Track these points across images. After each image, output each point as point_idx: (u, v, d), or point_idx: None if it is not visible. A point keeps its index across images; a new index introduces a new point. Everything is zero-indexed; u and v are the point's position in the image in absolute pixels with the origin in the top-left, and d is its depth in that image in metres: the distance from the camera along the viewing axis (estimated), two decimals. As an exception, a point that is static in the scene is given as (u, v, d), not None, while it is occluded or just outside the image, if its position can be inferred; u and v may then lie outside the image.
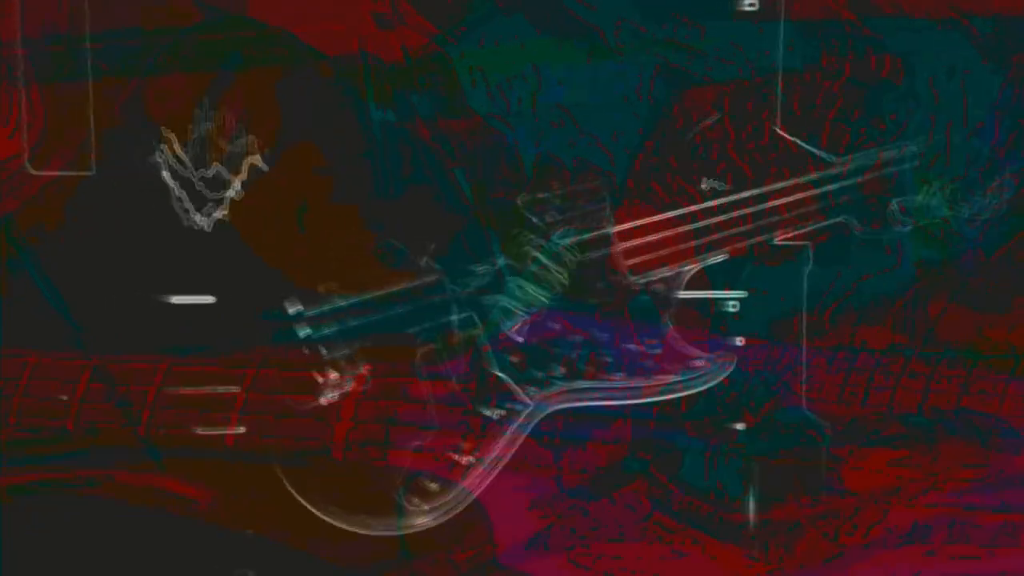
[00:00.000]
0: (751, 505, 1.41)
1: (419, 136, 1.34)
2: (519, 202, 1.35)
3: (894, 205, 1.36)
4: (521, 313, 1.36)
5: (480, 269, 1.35)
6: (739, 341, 1.38)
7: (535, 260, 1.35)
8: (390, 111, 1.34)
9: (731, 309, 1.38)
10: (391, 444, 1.34)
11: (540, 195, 1.35)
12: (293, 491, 1.34)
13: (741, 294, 1.38)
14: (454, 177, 1.33)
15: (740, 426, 1.40)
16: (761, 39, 1.33)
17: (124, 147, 1.35)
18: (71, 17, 1.34)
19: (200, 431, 1.35)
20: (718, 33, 1.33)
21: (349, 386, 1.33)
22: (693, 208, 1.35)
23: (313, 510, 1.34)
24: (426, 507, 1.35)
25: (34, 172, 1.36)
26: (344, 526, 1.35)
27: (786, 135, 1.33)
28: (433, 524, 1.36)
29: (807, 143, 1.34)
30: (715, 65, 1.33)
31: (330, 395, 1.34)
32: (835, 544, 1.40)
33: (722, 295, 1.38)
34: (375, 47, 1.32)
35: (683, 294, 1.37)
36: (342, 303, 1.32)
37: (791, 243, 1.36)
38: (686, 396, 1.36)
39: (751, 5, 1.33)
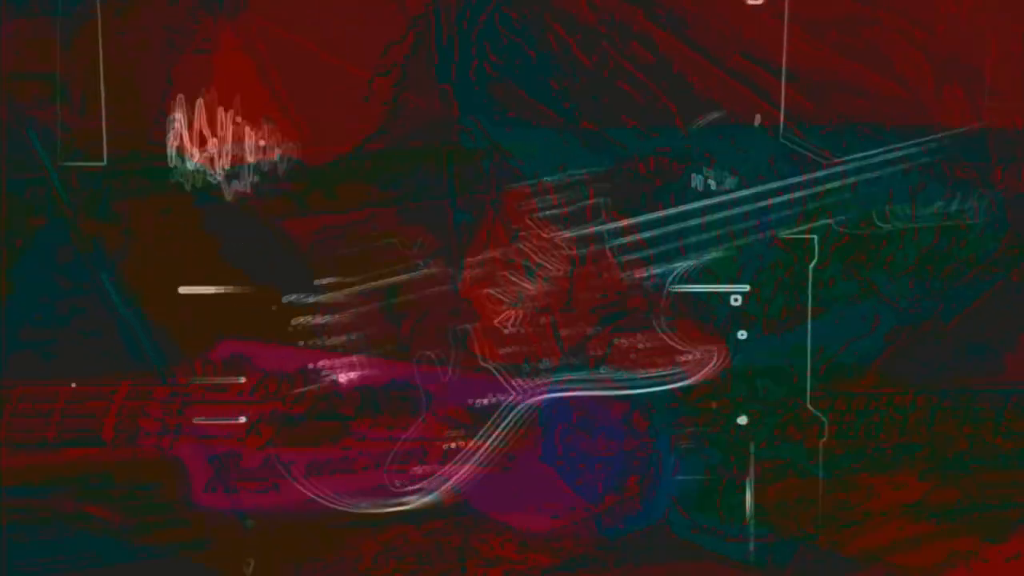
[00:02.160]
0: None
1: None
2: (512, 197, 1.32)
3: (880, 207, 1.34)
4: (509, 305, 1.33)
5: (472, 261, 1.31)
6: (742, 334, 1.36)
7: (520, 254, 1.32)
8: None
9: (735, 303, 1.36)
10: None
11: (533, 189, 1.32)
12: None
13: (744, 288, 1.36)
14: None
15: (742, 420, 1.38)
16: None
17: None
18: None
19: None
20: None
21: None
22: (685, 207, 1.33)
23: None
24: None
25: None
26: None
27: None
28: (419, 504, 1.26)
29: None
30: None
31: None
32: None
33: (726, 289, 1.36)
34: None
35: (685, 288, 1.35)
36: (343, 293, 1.21)
37: (796, 237, 1.34)
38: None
39: (756, 0, 1.31)
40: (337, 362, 1.14)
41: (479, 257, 1.28)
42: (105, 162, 1.22)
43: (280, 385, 1.10)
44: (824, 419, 1.37)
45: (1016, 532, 1.36)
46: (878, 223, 1.33)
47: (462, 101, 1.27)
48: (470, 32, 1.26)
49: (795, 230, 1.35)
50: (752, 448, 1.38)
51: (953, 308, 1.36)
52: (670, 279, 1.34)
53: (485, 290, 1.26)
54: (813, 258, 1.35)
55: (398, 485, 1.16)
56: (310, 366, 1.12)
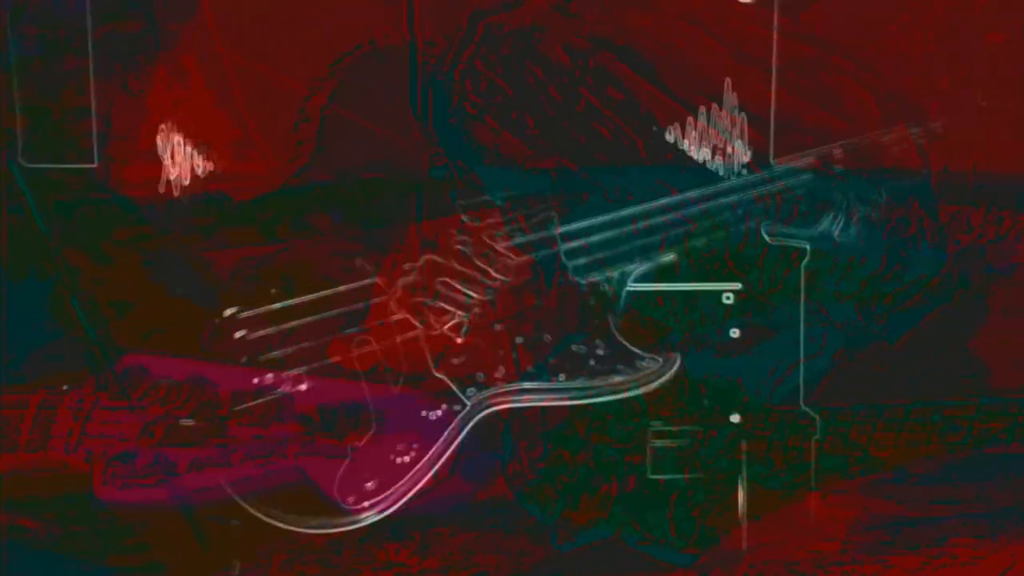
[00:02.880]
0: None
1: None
2: (458, 203, 1.32)
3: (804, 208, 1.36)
4: (456, 313, 1.33)
5: (408, 267, 1.31)
6: (735, 333, 1.37)
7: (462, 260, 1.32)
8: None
9: (727, 301, 1.37)
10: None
11: (480, 197, 1.33)
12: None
13: (736, 286, 1.36)
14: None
15: (735, 418, 1.39)
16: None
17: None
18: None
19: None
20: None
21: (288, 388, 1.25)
22: (636, 209, 1.33)
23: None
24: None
25: (27, 165, 1.29)
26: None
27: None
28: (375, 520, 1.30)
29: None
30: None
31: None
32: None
33: (718, 287, 1.36)
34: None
35: (678, 286, 1.36)
36: (278, 304, 1.25)
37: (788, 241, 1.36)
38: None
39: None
40: (271, 377, 1.23)
41: (412, 264, 1.31)
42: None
43: (169, 393, 1.20)
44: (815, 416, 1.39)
45: (947, 544, 1.42)
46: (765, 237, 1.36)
47: (440, 135, 1.32)
48: (452, 71, 1.31)
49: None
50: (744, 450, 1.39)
51: (897, 330, 1.39)
52: (621, 283, 1.35)
53: (419, 299, 1.30)
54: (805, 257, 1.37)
55: (351, 502, 1.25)
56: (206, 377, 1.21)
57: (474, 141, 1.32)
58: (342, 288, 1.26)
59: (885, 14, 1.35)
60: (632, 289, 1.35)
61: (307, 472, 1.22)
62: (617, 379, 1.34)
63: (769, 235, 1.35)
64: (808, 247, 1.35)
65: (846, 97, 1.35)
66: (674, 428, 1.38)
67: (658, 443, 1.38)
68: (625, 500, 1.38)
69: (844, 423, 1.39)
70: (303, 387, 1.23)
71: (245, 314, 1.23)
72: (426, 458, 1.26)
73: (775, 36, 1.32)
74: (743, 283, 1.36)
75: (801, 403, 1.37)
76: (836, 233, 1.36)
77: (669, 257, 1.35)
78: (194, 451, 1.20)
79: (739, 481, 1.39)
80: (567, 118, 1.33)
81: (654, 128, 1.33)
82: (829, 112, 1.35)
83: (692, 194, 1.33)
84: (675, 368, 1.35)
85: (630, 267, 1.34)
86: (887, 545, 1.41)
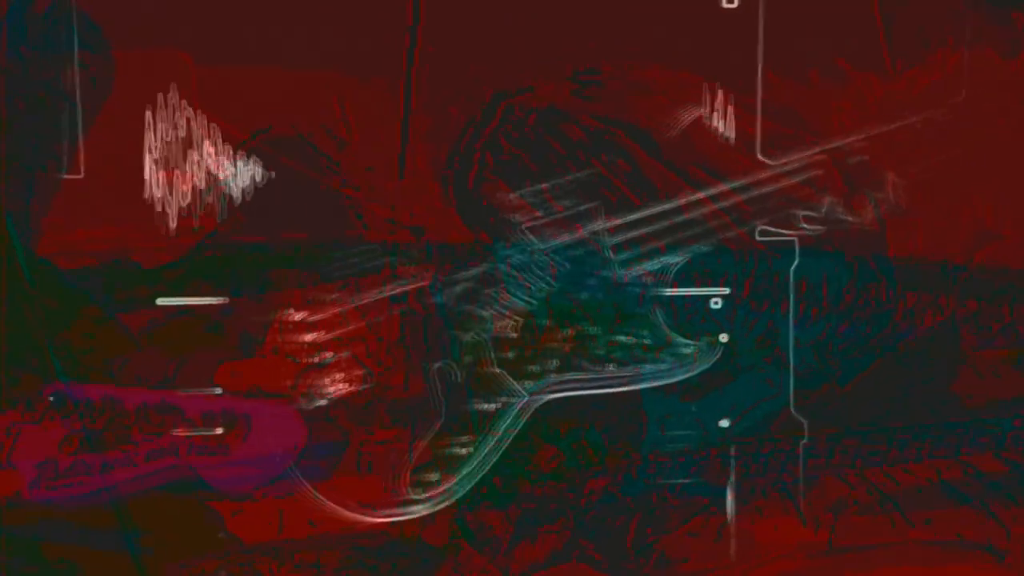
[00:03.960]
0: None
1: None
2: (501, 201, 1.38)
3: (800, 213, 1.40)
4: (508, 312, 1.38)
5: (465, 274, 1.38)
6: (723, 337, 1.41)
7: (512, 267, 1.38)
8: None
9: (715, 305, 1.40)
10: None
11: (524, 192, 1.39)
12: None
13: (724, 291, 1.40)
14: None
15: (724, 423, 1.43)
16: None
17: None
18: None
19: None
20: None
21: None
22: (677, 203, 1.39)
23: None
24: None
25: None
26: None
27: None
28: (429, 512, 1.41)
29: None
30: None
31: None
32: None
33: (706, 292, 1.40)
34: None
35: (667, 291, 1.39)
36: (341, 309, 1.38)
37: (777, 239, 1.41)
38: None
39: (730, 3, 1.37)
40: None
41: (465, 273, 1.40)
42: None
43: (83, 409, 1.39)
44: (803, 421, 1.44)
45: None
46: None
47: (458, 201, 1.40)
48: (474, 142, 1.39)
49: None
50: (733, 452, 1.44)
51: (849, 373, 1.46)
52: (663, 276, 1.40)
53: (471, 307, 1.40)
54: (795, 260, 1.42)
55: (408, 493, 1.41)
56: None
57: (494, 208, 1.40)
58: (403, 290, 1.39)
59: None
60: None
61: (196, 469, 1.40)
62: (662, 366, 1.39)
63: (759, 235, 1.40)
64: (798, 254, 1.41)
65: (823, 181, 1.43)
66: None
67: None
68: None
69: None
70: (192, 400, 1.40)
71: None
72: (483, 449, 1.41)
73: (759, 119, 1.40)
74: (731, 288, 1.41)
75: (792, 409, 1.44)
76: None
77: (705, 249, 1.40)
78: (104, 455, 1.39)
79: (728, 486, 1.45)
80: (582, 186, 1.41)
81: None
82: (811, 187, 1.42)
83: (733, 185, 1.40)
84: (717, 353, 1.40)
85: (671, 260, 1.40)
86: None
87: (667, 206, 1.39)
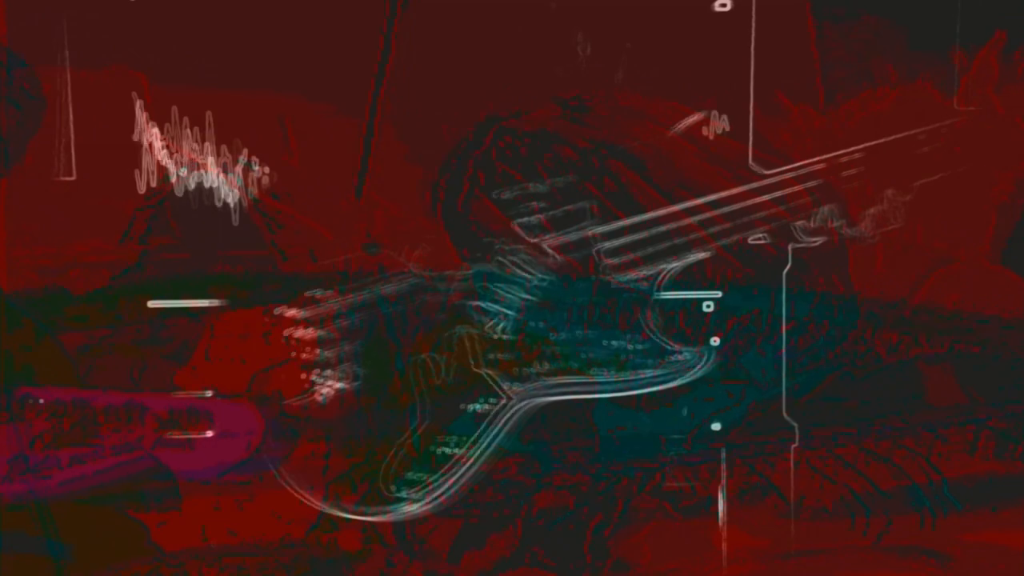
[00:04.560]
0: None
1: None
2: (499, 198, 1.40)
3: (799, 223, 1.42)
4: (505, 313, 1.39)
5: (459, 273, 1.39)
6: (715, 341, 1.42)
7: (506, 266, 1.38)
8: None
9: (707, 309, 1.41)
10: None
11: (520, 192, 1.40)
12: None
13: (716, 294, 1.41)
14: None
15: (716, 426, 1.45)
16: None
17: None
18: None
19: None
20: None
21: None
22: (670, 209, 1.40)
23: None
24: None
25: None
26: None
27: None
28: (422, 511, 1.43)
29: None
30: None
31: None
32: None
33: (698, 295, 1.41)
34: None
35: (660, 295, 1.41)
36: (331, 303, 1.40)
37: (766, 243, 1.42)
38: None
39: (723, 6, 1.38)
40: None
41: (463, 272, 1.42)
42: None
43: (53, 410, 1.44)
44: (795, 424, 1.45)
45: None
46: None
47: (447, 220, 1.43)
48: (464, 163, 1.41)
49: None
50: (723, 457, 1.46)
51: (803, 389, 1.47)
52: (656, 281, 1.41)
53: (474, 302, 1.42)
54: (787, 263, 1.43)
55: (391, 491, 1.43)
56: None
57: (481, 226, 1.42)
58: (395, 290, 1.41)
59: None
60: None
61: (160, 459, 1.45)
62: (649, 373, 1.40)
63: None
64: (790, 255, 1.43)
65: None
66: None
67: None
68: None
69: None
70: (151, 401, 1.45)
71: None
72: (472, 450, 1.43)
73: (751, 151, 1.42)
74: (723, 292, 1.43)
75: (784, 412, 1.45)
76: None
77: (701, 256, 1.41)
78: (72, 451, 1.43)
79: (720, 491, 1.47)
80: (572, 202, 1.42)
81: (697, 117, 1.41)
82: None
83: (725, 194, 1.41)
84: (706, 363, 1.41)
85: (664, 266, 1.41)
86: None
87: (658, 213, 1.41)
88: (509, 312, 1.39)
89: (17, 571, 1.42)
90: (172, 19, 1.36)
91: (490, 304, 1.39)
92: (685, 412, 1.44)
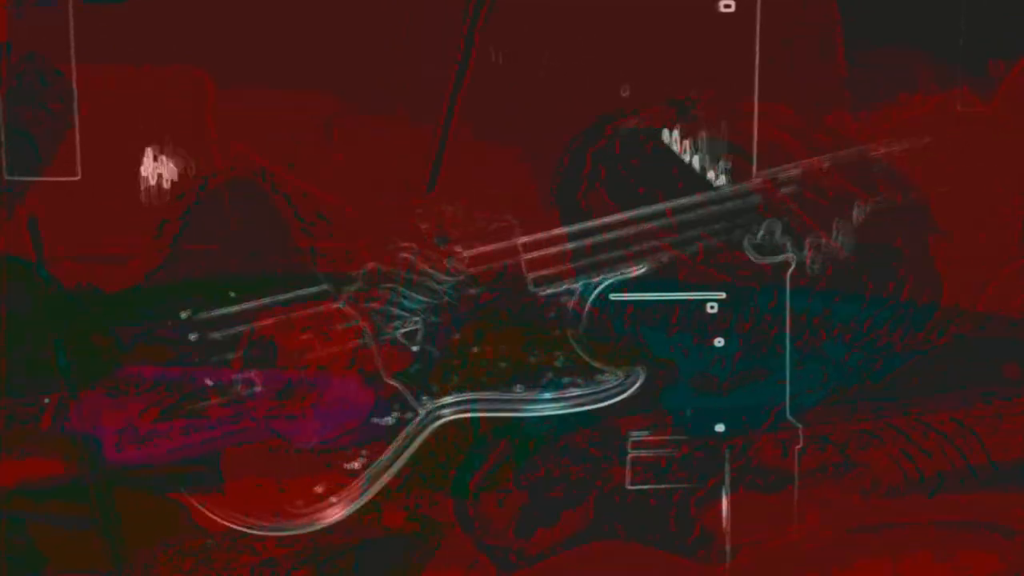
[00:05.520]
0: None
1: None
2: (416, 210, 1.34)
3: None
4: (408, 319, 1.35)
5: (359, 275, 1.36)
6: (718, 342, 1.40)
7: (412, 268, 1.34)
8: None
9: (710, 311, 1.39)
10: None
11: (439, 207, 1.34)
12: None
13: (720, 295, 1.39)
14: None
15: (720, 427, 1.43)
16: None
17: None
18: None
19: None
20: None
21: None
22: (602, 221, 1.36)
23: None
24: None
25: (13, 178, 1.34)
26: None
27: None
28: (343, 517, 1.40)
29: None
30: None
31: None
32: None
33: (702, 296, 1.39)
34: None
35: (660, 296, 1.38)
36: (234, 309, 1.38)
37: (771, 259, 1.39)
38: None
39: (727, 7, 1.35)
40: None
41: (361, 270, 1.37)
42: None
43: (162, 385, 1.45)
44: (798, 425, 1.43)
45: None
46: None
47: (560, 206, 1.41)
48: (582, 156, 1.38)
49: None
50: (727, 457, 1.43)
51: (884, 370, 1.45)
52: (591, 294, 1.37)
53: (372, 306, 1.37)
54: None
55: (300, 505, 1.42)
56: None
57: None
58: (302, 292, 1.38)
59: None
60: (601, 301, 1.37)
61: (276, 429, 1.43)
62: (574, 392, 1.37)
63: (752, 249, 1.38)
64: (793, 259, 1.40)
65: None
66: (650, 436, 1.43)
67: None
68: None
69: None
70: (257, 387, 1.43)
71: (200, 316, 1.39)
72: (376, 464, 1.41)
73: (754, 169, 1.41)
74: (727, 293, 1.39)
75: (788, 414, 1.43)
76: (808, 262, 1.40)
77: (638, 271, 1.37)
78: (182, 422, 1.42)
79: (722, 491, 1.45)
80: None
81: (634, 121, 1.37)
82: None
83: (666, 206, 1.37)
84: (637, 384, 1.37)
85: (596, 280, 1.37)
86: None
87: (590, 224, 1.38)
88: (417, 317, 1.36)
89: (70, 547, 1.45)
90: (233, 19, 1.34)
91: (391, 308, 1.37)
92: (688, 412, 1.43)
